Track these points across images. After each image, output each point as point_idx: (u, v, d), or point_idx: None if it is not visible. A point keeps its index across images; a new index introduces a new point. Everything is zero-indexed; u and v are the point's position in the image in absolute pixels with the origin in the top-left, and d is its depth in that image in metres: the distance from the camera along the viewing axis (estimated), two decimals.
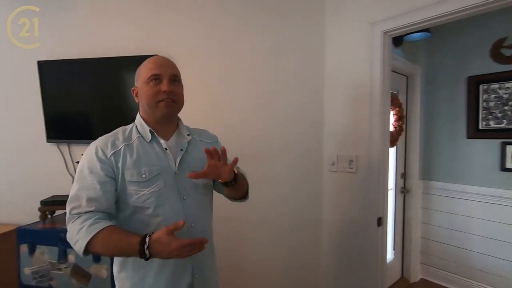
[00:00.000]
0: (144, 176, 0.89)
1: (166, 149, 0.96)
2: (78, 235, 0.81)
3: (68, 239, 0.86)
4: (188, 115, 1.99)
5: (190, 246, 0.75)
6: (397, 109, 2.48)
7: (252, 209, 1.95)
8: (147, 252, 0.75)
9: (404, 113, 2.58)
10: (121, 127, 1.00)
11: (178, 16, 2.01)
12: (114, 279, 1.00)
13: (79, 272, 1.74)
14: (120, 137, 0.94)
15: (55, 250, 1.77)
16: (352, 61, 1.69)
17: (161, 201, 0.90)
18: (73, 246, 0.84)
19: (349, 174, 1.72)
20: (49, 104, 2.15)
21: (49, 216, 1.96)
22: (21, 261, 1.82)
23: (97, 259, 1.68)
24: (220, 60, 1.96)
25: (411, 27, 1.52)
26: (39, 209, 1.90)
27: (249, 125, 1.94)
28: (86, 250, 0.80)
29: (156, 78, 0.94)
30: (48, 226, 1.87)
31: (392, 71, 1.80)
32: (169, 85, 0.93)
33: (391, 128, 2.30)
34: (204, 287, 1.00)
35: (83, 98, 2.12)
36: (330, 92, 1.80)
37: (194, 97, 2.01)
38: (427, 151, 2.72)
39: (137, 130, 0.98)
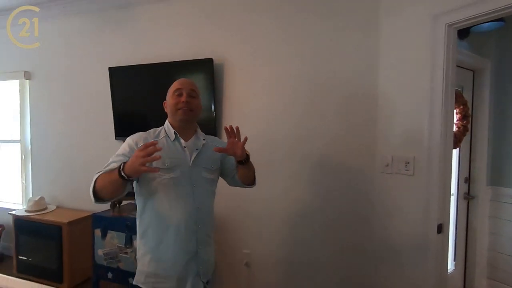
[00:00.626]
0: (166, 164, 1.12)
1: (184, 147, 1.19)
2: (91, 183, 1.05)
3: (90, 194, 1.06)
4: (240, 117, 2.09)
5: (144, 148, 0.94)
6: (461, 107, 2.26)
7: (296, 209, 1.96)
8: (122, 170, 0.96)
9: (469, 112, 2.34)
10: (153, 128, 1.25)
11: (231, 22, 2.10)
12: (137, 245, 1.22)
13: None
14: (152, 135, 1.20)
15: (122, 235, 1.99)
16: (411, 57, 1.59)
17: (178, 185, 1.14)
18: (91, 197, 1.05)
19: (405, 177, 1.62)
20: (117, 105, 2.41)
21: (117, 206, 2.20)
22: (95, 243, 2.08)
23: None
24: (271, 61, 2.01)
25: (481, 18, 1.38)
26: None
27: (298, 125, 1.95)
28: (94, 190, 1.03)
29: (179, 94, 1.19)
30: (117, 214, 2.11)
31: (456, 65, 1.66)
32: (187, 97, 1.18)
33: (454, 128, 2.12)
34: (205, 257, 1.21)
35: (145, 99, 2.34)
36: (385, 90, 1.71)
37: (246, 99, 2.09)
38: (496, 153, 2.43)
39: (165, 131, 1.22)
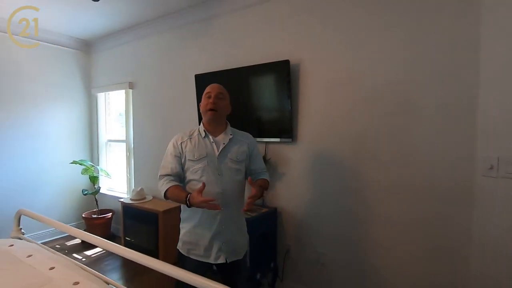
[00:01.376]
0: (196, 157, 1.41)
1: (212, 142, 1.45)
2: (161, 187, 1.40)
3: (158, 188, 1.44)
4: (316, 115, 2.09)
5: (205, 203, 1.20)
6: None
7: (374, 213, 1.86)
8: (188, 202, 1.27)
9: None
10: (190, 128, 1.52)
11: (306, 23, 2.11)
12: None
13: None
14: (187, 134, 1.48)
15: None
16: None
17: (204, 173, 1.40)
18: (160, 193, 1.42)
19: None
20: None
21: None
22: None
23: None
24: (349, 59, 1.95)
25: None
26: None
27: (378, 124, 1.85)
28: (165, 196, 1.39)
29: (209, 96, 1.45)
30: None
31: None
32: (215, 99, 1.43)
33: None
34: (228, 237, 1.43)
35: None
36: (489, 78, 1.48)
37: (322, 98, 2.07)
38: None
39: (198, 130, 1.49)
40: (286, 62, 2.10)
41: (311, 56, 2.10)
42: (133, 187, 3.38)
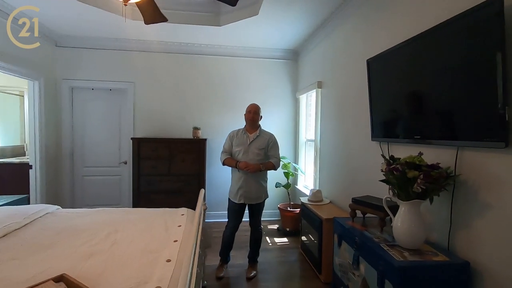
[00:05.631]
0: (237, 144, 2.57)
1: (247, 137, 2.56)
2: (222, 158, 2.63)
3: (220, 159, 2.68)
4: None
5: (244, 165, 2.46)
6: None
7: None
8: (238, 166, 2.47)
9: None
10: (238, 128, 2.67)
11: None
12: None
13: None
14: (235, 132, 2.64)
15: (352, 251, 1.70)
16: None
17: (240, 154, 2.53)
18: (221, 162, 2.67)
19: None
20: (374, 102, 2.10)
21: (360, 216, 1.92)
22: (334, 248, 1.97)
23: None
24: None
25: None
26: (349, 205, 1.92)
27: None
28: (223, 163, 2.61)
29: (249, 112, 2.57)
30: (354, 225, 1.83)
31: None
32: (253, 114, 2.56)
33: None
34: (247, 189, 2.52)
35: (405, 93, 1.82)
36: None
37: None
38: None
39: (243, 129, 2.61)
40: (495, 2, 1.14)
41: None
42: (317, 187, 3.32)
